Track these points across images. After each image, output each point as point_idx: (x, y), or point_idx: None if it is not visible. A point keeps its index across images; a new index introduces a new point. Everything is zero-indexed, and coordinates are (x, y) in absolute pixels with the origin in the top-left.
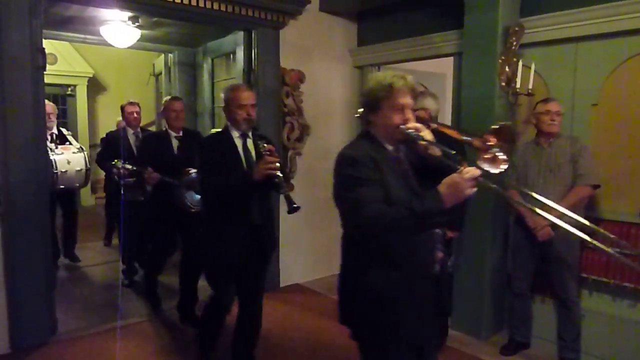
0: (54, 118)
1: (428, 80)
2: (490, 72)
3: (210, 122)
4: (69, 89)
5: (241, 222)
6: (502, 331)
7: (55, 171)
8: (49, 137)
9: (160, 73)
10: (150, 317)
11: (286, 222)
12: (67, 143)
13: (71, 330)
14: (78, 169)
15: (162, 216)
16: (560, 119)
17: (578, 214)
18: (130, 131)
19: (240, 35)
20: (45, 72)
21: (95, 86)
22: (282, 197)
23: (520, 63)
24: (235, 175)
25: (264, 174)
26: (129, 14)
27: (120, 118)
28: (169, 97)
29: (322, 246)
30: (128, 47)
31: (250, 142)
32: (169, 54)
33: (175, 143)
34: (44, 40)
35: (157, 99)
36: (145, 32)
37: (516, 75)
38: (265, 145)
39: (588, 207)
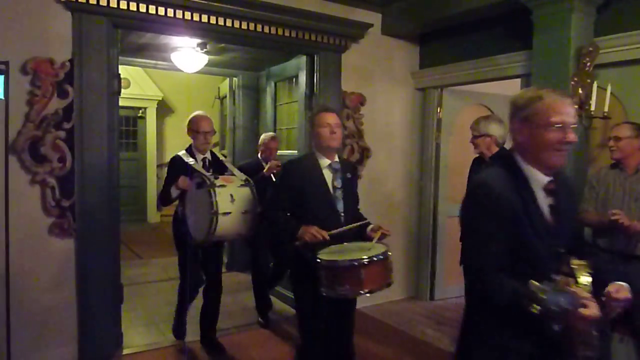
0: (210, 138)
1: (492, 102)
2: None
3: None
4: (140, 111)
5: None
6: None
7: (214, 211)
8: (200, 163)
9: (225, 96)
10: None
11: None
12: (228, 173)
13: (136, 345)
14: (244, 210)
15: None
16: (622, 144)
17: None
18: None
19: (302, 59)
20: (119, 97)
21: (163, 108)
22: None
23: (595, 85)
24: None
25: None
26: (199, 40)
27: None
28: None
29: None
30: (195, 72)
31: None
32: (234, 78)
33: None
34: (119, 66)
35: (222, 121)
36: (211, 57)
37: (590, 97)
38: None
39: None
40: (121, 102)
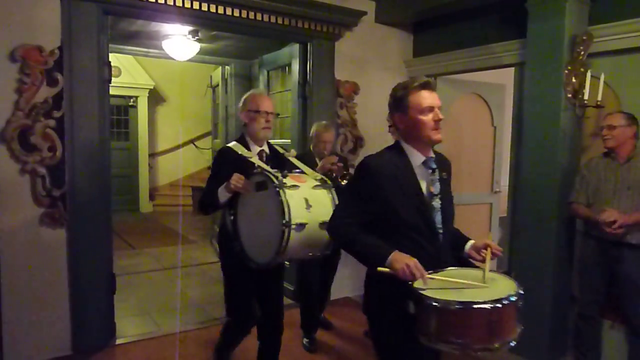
0: (272, 121)
1: (486, 91)
2: (555, 83)
3: None
4: (131, 100)
5: None
6: (565, 357)
7: (285, 221)
8: (255, 156)
9: (217, 85)
10: (205, 325)
11: None
12: (297, 171)
13: (129, 335)
14: (322, 220)
15: None
16: (617, 133)
17: None
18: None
19: (296, 47)
20: (110, 84)
21: (155, 97)
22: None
23: (589, 73)
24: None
25: None
26: (190, 28)
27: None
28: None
29: None
30: (187, 60)
31: None
32: (226, 66)
33: None
34: (109, 54)
35: (214, 110)
36: (204, 45)
37: (584, 86)
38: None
39: None
40: (112, 91)
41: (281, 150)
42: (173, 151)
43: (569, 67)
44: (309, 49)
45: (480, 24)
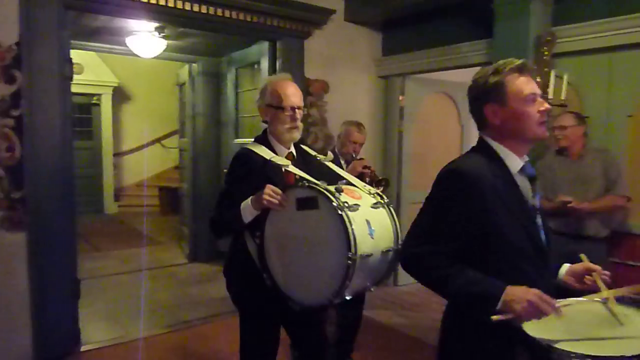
0: (300, 117)
1: (454, 90)
2: None
3: (234, 132)
4: (95, 98)
5: None
6: None
7: (352, 253)
8: (286, 162)
9: (184, 83)
10: (174, 329)
11: None
12: (343, 182)
13: (94, 341)
14: (385, 247)
15: None
16: (568, 132)
17: (607, 226)
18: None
19: (265, 45)
20: (72, 82)
21: (120, 95)
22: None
23: (553, 73)
24: None
25: None
26: (156, 24)
27: None
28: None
29: None
30: (153, 57)
31: None
32: (193, 64)
33: None
34: (71, 51)
35: (182, 108)
36: (170, 42)
37: (548, 86)
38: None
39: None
40: (74, 89)
41: (313, 153)
42: (139, 150)
43: (534, 67)
44: (277, 46)
45: (448, 23)
